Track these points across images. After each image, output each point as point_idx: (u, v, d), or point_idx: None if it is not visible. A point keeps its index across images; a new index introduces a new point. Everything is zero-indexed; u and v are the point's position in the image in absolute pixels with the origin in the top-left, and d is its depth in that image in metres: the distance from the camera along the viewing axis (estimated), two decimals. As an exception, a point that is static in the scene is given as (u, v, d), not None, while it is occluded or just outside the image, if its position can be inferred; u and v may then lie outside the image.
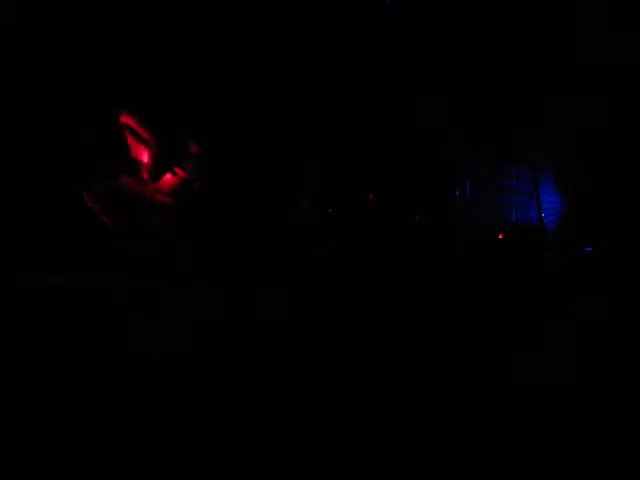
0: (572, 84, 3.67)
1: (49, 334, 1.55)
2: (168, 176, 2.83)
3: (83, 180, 2.46)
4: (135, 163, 2.70)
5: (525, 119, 3.85)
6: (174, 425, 0.88)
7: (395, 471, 0.68)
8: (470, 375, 1.18)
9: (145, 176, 2.72)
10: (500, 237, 3.74)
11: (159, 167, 2.74)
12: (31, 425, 0.83)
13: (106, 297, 2.29)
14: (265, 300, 2.30)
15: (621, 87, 3.55)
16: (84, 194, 2.50)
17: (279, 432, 0.82)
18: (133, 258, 2.70)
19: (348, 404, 0.95)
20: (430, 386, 1.10)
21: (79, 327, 1.70)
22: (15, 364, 1.22)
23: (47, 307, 2.01)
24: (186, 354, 1.40)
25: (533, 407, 0.98)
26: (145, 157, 2.71)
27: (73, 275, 2.56)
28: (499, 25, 3.50)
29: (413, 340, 1.56)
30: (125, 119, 2.49)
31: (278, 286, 2.70)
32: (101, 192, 2.53)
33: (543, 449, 0.78)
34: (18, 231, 2.41)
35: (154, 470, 0.73)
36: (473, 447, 0.78)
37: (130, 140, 2.56)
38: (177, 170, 2.78)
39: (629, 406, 0.97)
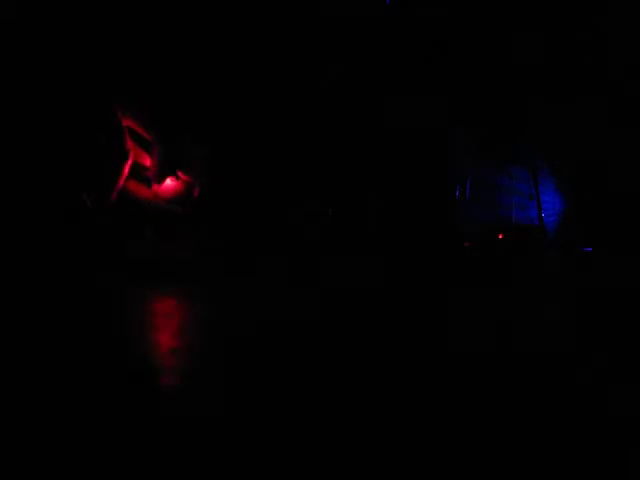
0: (572, 84, 3.67)
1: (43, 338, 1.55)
2: (171, 179, 2.84)
3: (85, 182, 2.46)
4: (137, 165, 2.71)
5: (525, 119, 3.85)
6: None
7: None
8: (464, 377, 1.20)
9: (148, 179, 2.72)
10: (500, 237, 3.74)
11: (162, 170, 2.75)
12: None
13: (106, 297, 2.28)
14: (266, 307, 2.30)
15: (621, 87, 3.55)
16: (85, 195, 2.49)
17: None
18: (133, 258, 2.70)
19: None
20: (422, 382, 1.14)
21: (78, 327, 1.70)
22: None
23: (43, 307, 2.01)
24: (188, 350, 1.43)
25: (533, 406, 1.00)
26: (147, 160, 2.72)
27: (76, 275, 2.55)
28: (500, 26, 3.50)
29: (409, 337, 1.58)
30: (128, 122, 2.50)
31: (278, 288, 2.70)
32: (103, 193, 2.53)
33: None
34: (20, 231, 2.40)
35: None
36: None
37: (133, 143, 2.56)
38: (180, 174, 2.78)
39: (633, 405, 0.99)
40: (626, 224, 3.73)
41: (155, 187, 2.75)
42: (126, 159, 2.43)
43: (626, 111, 3.71)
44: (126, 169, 2.43)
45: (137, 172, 2.60)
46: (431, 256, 3.33)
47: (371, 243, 3.39)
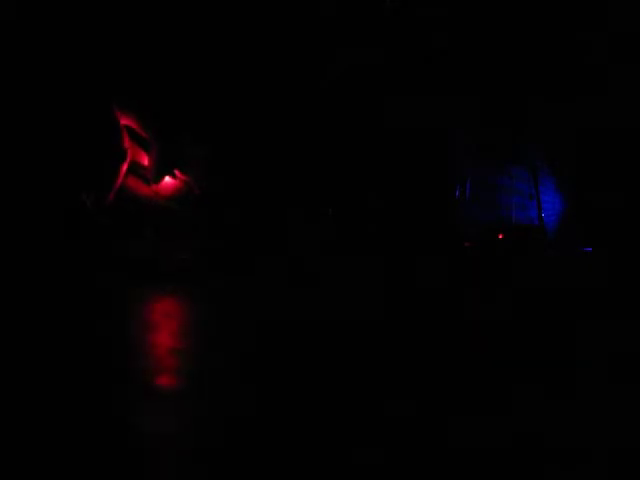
0: (573, 84, 3.67)
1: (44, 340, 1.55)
2: (168, 178, 2.83)
3: (84, 182, 2.46)
4: (136, 165, 2.71)
5: (525, 119, 3.85)
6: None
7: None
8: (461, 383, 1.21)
9: (146, 178, 2.72)
10: (500, 237, 3.74)
11: (159, 169, 2.74)
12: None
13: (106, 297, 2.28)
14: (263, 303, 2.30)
15: (621, 87, 3.55)
16: (84, 195, 2.49)
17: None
18: (133, 258, 2.70)
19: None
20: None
21: (80, 328, 1.70)
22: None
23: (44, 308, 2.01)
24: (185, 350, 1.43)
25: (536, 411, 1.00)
26: (146, 159, 2.72)
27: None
28: (501, 26, 3.50)
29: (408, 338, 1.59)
30: (126, 121, 2.49)
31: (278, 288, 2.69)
32: (102, 193, 2.53)
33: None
34: (20, 232, 2.40)
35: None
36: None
37: (131, 142, 2.56)
38: (178, 173, 2.78)
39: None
40: (626, 224, 3.73)
41: (153, 185, 2.76)
42: (124, 159, 2.42)
43: (626, 110, 3.72)
44: (124, 168, 2.42)
45: (136, 170, 2.60)
46: (431, 256, 3.33)
47: (371, 243, 3.39)
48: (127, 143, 2.54)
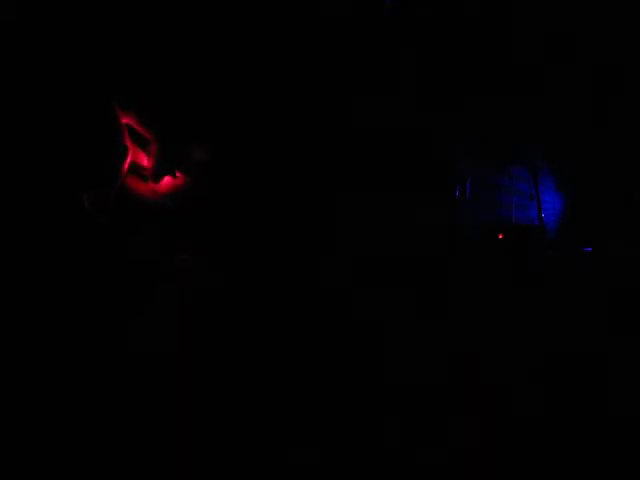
0: (571, 84, 3.67)
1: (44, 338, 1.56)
2: (168, 179, 2.83)
3: (84, 181, 2.46)
4: (136, 164, 2.71)
5: (526, 119, 3.85)
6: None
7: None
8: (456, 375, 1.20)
9: (146, 177, 2.71)
10: (500, 237, 3.74)
11: (160, 169, 2.74)
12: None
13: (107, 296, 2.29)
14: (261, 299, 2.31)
15: (621, 87, 3.55)
16: (84, 195, 2.49)
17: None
18: (133, 259, 2.70)
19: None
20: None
21: (80, 327, 1.71)
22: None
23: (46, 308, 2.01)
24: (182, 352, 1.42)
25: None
26: (146, 159, 2.71)
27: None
28: (500, 25, 3.50)
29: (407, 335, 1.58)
30: (127, 120, 2.48)
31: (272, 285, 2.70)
32: (102, 193, 2.52)
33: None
34: (19, 232, 2.41)
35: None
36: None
37: (131, 141, 2.56)
38: (178, 174, 2.78)
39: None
40: (626, 224, 3.73)
41: (153, 185, 2.76)
42: (125, 158, 2.41)
43: (628, 111, 3.71)
44: (125, 167, 2.41)
45: (136, 170, 2.60)
46: (432, 256, 3.33)
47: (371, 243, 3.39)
48: (128, 142, 2.54)
